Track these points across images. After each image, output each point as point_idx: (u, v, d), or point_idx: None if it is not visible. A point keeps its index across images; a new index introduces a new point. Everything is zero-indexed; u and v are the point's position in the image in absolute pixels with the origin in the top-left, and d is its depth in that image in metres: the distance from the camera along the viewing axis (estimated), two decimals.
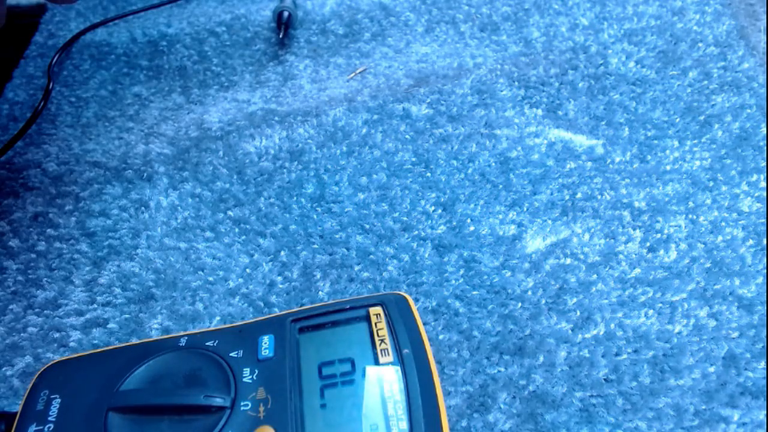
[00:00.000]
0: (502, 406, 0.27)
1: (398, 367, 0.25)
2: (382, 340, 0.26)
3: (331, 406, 0.24)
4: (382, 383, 0.24)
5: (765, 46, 0.43)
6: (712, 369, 0.28)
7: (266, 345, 0.26)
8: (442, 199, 0.36)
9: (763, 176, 0.35)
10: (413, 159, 0.38)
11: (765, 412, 0.26)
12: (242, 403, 0.24)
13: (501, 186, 0.36)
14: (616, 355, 0.28)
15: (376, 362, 0.25)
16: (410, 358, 0.25)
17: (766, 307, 0.29)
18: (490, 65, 0.44)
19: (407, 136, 0.39)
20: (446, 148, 0.38)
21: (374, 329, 0.26)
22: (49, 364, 0.26)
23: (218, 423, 0.23)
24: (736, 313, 0.29)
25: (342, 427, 0.23)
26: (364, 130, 0.40)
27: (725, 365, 0.28)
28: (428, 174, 0.37)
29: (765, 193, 0.34)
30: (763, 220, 0.33)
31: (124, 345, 0.27)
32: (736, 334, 0.29)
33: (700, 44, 0.43)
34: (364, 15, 0.48)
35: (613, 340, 0.29)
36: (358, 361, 0.25)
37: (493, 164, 0.37)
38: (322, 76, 0.44)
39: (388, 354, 0.25)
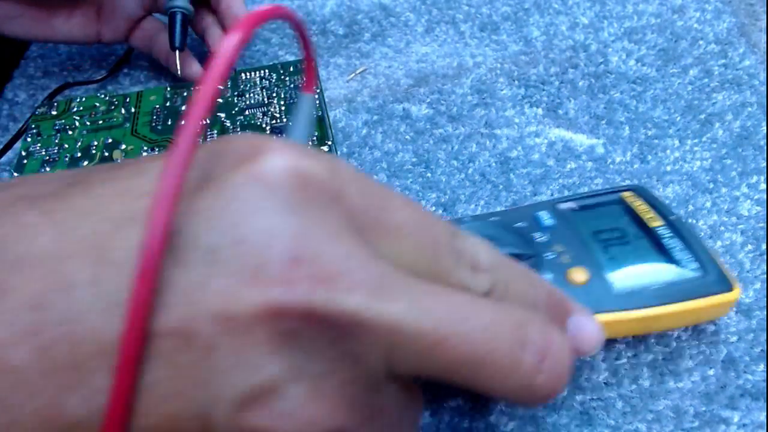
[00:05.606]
0: (503, 408, 0.27)
1: (668, 230, 0.27)
2: (646, 212, 0.29)
3: (619, 259, 0.27)
4: (661, 241, 0.27)
5: (766, 43, 0.43)
6: (711, 372, 0.28)
7: (546, 216, 0.29)
8: (443, 200, 0.36)
9: (763, 178, 0.35)
10: (413, 159, 0.38)
11: (765, 413, 0.26)
12: (545, 254, 0.27)
13: (501, 186, 0.36)
14: (616, 359, 0.28)
15: (646, 228, 0.28)
16: (680, 221, 0.28)
17: (765, 312, 0.29)
18: (490, 64, 0.44)
19: (407, 137, 0.39)
20: (446, 149, 0.38)
21: (634, 206, 0.29)
22: None
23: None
24: (734, 317, 0.29)
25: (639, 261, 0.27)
26: (364, 131, 0.40)
27: (724, 368, 0.28)
28: (428, 174, 0.37)
29: (765, 196, 0.34)
30: (763, 225, 0.33)
31: None
32: (734, 339, 0.29)
33: (701, 42, 0.43)
34: (364, 15, 0.48)
35: (612, 344, 0.29)
36: (630, 229, 0.28)
37: (494, 164, 0.37)
38: (321, 77, 0.44)
39: (657, 220, 0.28)
